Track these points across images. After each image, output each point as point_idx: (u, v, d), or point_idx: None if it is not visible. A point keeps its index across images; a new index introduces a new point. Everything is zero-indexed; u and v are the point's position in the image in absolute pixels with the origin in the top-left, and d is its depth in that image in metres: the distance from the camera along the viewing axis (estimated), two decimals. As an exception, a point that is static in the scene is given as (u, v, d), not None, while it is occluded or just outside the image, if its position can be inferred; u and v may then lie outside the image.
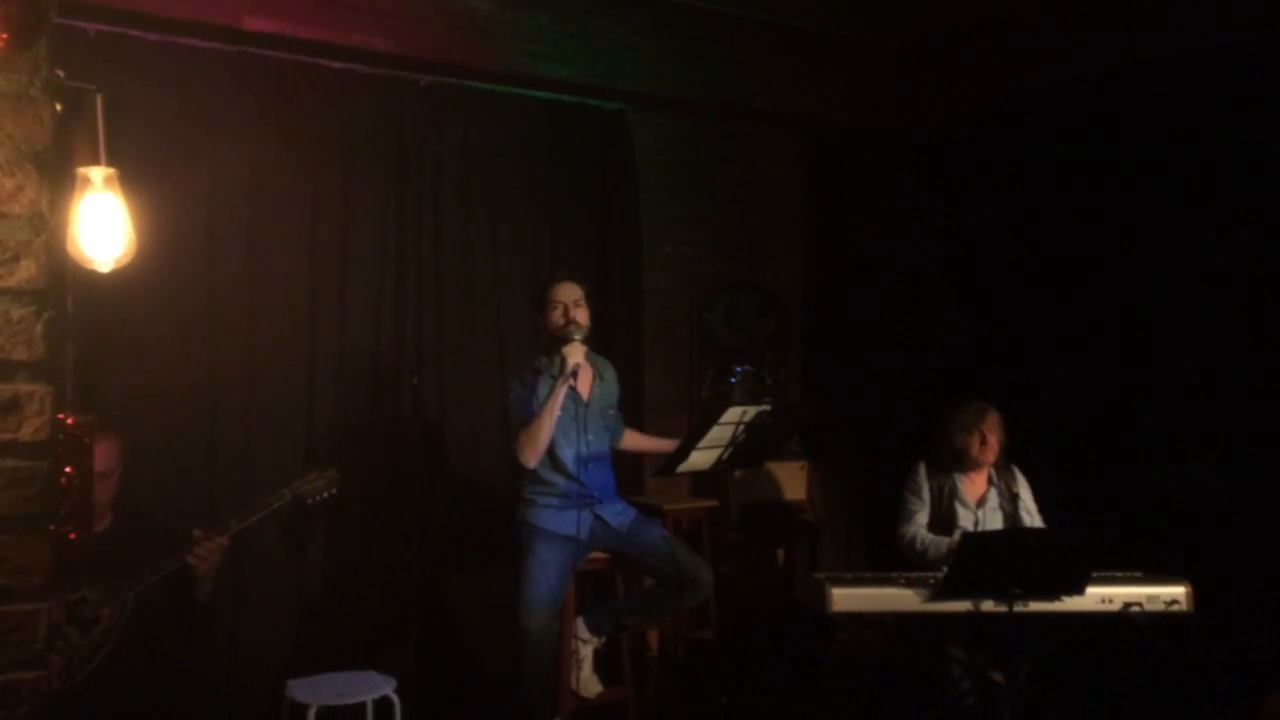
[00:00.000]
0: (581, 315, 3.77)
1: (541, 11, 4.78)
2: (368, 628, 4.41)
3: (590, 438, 3.80)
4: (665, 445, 4.12)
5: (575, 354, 3.67)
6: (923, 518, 4.15)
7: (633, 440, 4.19)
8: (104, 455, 3.07)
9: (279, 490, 3.35)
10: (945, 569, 3.85)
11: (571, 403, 3.75)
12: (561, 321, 3.74)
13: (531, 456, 3.69)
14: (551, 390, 3.67)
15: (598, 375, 3.90)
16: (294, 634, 4.30)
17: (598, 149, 5.18)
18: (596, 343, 3.93)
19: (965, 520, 4.12)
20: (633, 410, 4.57)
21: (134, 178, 2.16)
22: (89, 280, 2.24)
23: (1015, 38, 5.26)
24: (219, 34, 4.14)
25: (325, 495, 3.44)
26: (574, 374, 3.68)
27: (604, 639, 4.06)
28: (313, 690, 3.51)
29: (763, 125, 5.74)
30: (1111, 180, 4.81)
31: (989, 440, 4.11)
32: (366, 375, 4.54)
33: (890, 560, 4.17)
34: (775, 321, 5.94)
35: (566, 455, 3.77)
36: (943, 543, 4.01)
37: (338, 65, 4.46)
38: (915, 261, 5.71)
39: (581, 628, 3.99)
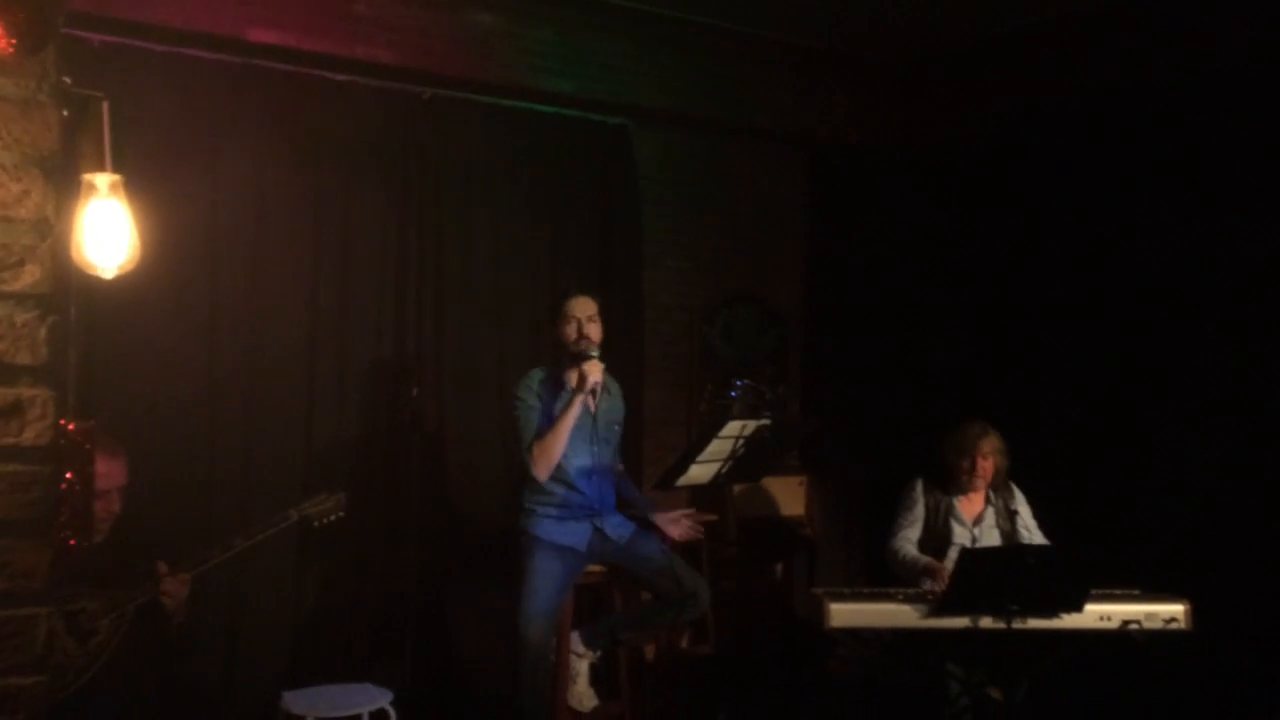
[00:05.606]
0: (595, 331, 3.77)
1: (546, 26, 4.79)
2: (364, 639, 4.39)
3: (596, 450, 3.80)
4: (637, 500, 4.10)
5: (595, 371, 3.67)
6: (912, 534, 4.14)
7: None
8: (108, 473, 3.03)
9: (286, 511, 3.33)
10: (929, 584, 3.86)
11: (583, 415, 3.74)
12: (574, 336, 3.75)
13: (544, 469, 3.68)
14: (568, 404, 3.67)
15: (605, 390, 3.89)
16: (290, 645, 4.29)
17: (600, 163, 5.19)
18: (599, 356, 3.93)
19: (961, 538, 4.12)
20: (632, 424, 4.56)
21: (136, 187, 2.16)
22: (87, 287, 2.24)
23: (1017, 57, 5.28)
24: (223, 46, 4.15)
25: (332, 519, 3.43)
26: (594, 391, 3.68)
27: (600, 653, 4.05)
28: (308, 702, 3.50)
29: (765, 141, 5.75)
30: (1113, 199, 4.83)
31: (979, 466, 4.09)
32: (367, 387, 4.54)
33: (889, 576, 4.17)
34: (775, 336, 5.94)
35: (572, 466, 3.77)
36: (920, 561, 4.01)
37: (341, 77, 4.47)
38: (915, 278, 5.72)
39: (577, 642, 3.97)
